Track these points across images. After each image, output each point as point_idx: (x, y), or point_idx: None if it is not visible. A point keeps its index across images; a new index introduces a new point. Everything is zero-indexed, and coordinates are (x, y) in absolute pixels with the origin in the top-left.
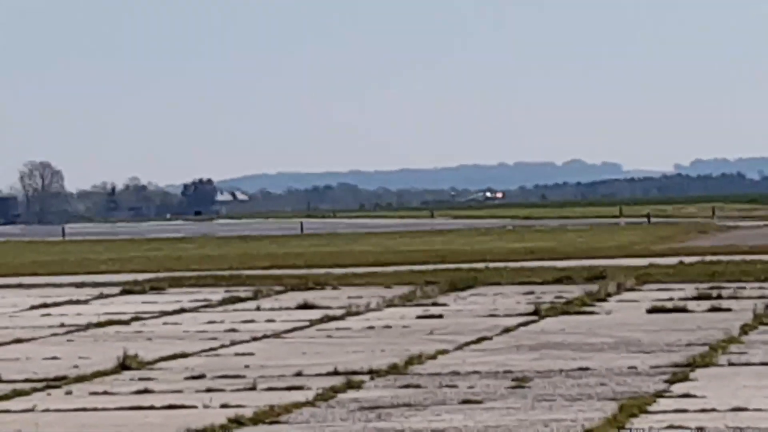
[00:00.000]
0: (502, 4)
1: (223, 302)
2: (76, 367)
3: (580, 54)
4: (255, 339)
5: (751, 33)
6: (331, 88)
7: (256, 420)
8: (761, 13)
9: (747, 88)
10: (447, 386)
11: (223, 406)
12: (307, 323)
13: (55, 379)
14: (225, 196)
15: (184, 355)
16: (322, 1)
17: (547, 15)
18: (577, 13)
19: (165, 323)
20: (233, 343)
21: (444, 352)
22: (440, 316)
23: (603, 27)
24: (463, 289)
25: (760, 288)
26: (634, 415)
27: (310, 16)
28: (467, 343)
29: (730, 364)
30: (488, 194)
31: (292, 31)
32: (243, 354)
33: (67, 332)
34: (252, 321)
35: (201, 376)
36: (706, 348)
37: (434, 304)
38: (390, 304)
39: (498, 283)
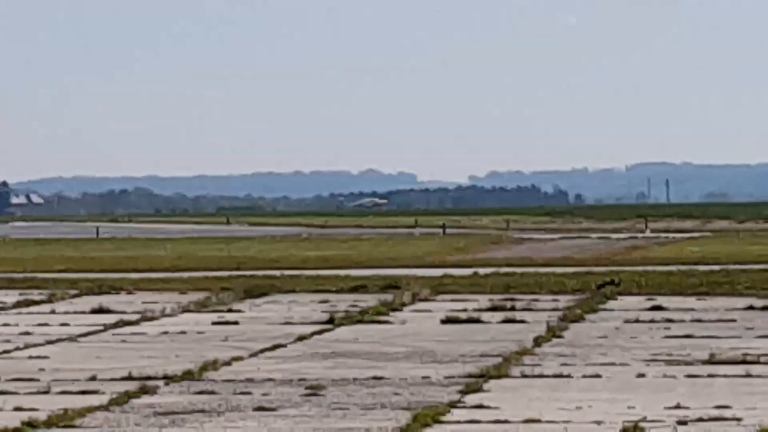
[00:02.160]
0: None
1: (17, 305)
2: None
3: (375, 64)
4: (49, 342)
5: (542, 48)
6: (131, 93)
7: (50, 423)
8: (548, 23)
9: (542, 102)
10: (241, 393)
11: (17, 409)
12: (102, 327)
13: None
14: (20, 199)
15: None
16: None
17: (342, 23)
18: (369, 22)
19: None
20: (27, 346)
21: (239, 358)
22: (235, 323)
23: (395, 37)
24: (258, 297)
25: (554, 300)
26: (428, 425)
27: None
28: (262, 351)
29: (524, 375)
30: (377, 201)
31: (100, 30)
32: (37, 357)
33: None
34: (46, 324)
35: None
36: (500, 359)
37: (229, 311)
38: (185, 309)
39: (293, 291)
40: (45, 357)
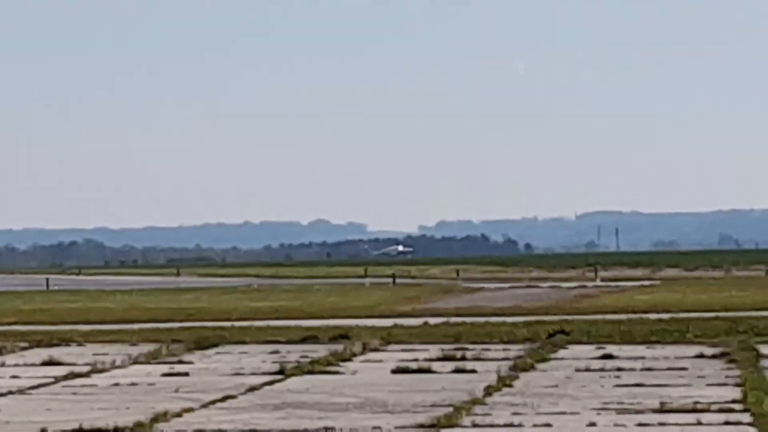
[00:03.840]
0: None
1: None
2: None
3: (316, 112)
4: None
5: (490, 96)
6: (78, 143)
7: None
8: (495, 71)
9: (491, 151)
10: None
11: None
12: (52, 380)
13: None
14: None
15: None
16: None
17: (289, 74)
18: (318, 70)
19: None
20: None
21: (189, 410)
22: (186, 374)
23: (340, 86)
24: (208, 348)
25: (504, 350)
26: None
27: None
28: (213, 402)
29: (474, 425)
30: (400, 248)
31: (42, 79)
32: None
33: None
34: None
35: None
36: (451, 409)
37: (180, 362)
38: (135, 361)
39: (243, 342)
40: None
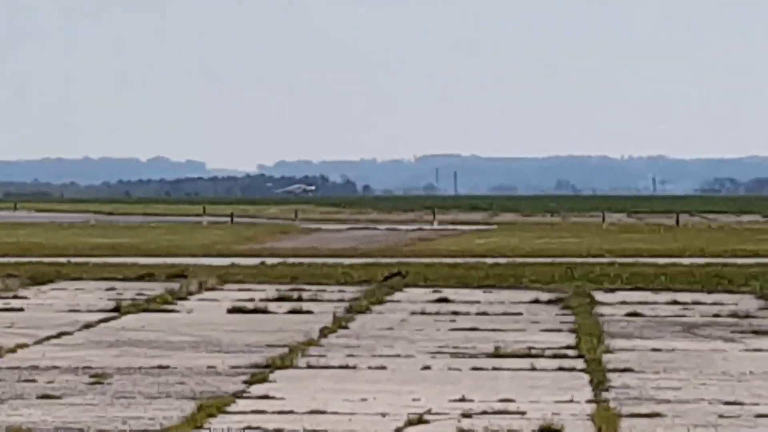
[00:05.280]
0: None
1: None
2: None
3: (166, 51)
4: None
5: (331, 36)
6: None
7: None
8: (339, 13)
9: (330, 91)
10: (25, 381)
11: None
12: None
13: None
14: None
15: None
16: None
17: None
18: (160, 15)
19: None
20: None
21: (24, 345)
22: (21, 309)
23: (190, 27)
24: (44, 283)
25: (340, 291)
26: (213, 415)
27: None
28: (47, 338)
29: (309, 366)
30: (305, 187)
31: None
32: None
33: None
34: None
35: None
36: (286, 350)
37: (15, 297)
38: None
39: (80, 278)
40: None
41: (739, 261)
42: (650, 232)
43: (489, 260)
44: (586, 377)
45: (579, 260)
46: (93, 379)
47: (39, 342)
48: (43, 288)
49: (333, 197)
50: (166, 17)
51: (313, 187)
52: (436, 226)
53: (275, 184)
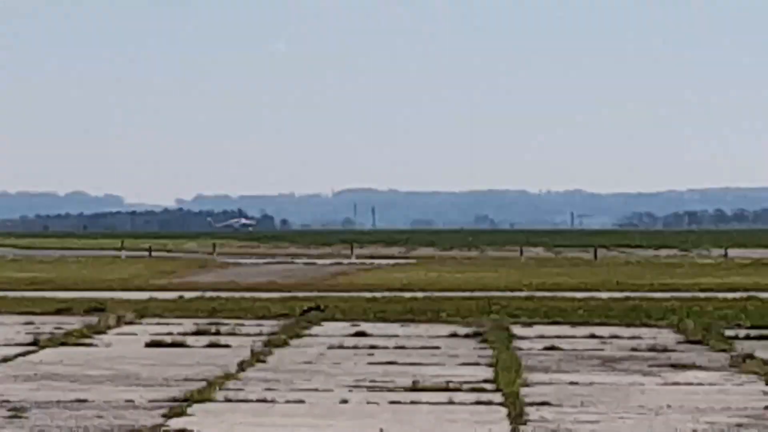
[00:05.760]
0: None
1: None
2: None
3: (74, 79)
4: None
5: (251, 71)
6: None
7: None
8: (255, 49)
9: (239, 128)
10: None
11: None
12: None
13: None
14: None
15: None
16: None
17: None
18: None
19: None
20: None
21: None
22: None
23: (86, 59)
24: None
25: (258, 325)
26: None
27: None
28: None
29: (227, 400)
30: (243, 221)
31: None
32: None
33: None
34: None
35: None
36: (204, 383)
37: None
38: None
39: None
40: None
41: (657, 295)
42: (569, 266)
43: (407, 294)
44: (504, 411)
45: (497, 294)
46: (11, 413)
47: None
48: None
49: (251, 232)
50: (89, 47)
51: (253, 222)
52: (354, 260)
53: (214, 218)
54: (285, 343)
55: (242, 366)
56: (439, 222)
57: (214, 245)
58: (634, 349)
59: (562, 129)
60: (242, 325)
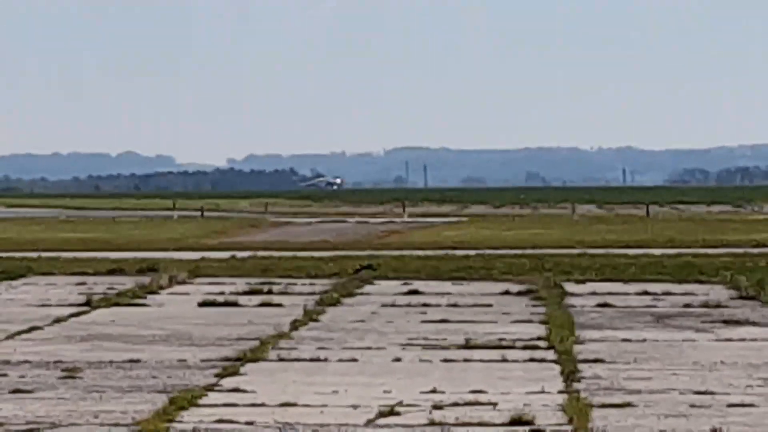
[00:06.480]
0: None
1: None
2: None
3: (135, 46)
4: None
5: (299, 32)
6: None
7: None
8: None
9: (300, 85)
10: None
11: None
12: None
13: None
14: None
15: None
16: None
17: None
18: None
19: None
20: None
21: None
22: None
23: (161, 21)
24: (15, 278)
25: (311, 284)
26: (184, 408)
27: None
28: (18, 333)
29: (280, 359)
30: (330, 180)
31: None
32: None
33: None
34: None
35: None
36: (257, 342)
37: None
38: None
39: (51, 273)
40: None
41: (710, 251)
42: (621, 223)
43: (459, 252)
44: (557, 368)
45: (549, 251)
46: (64, 374)
47: (10, 337)
48: (14, 283)
49: (303, 191)
50: (140, 13)
51: (338, 181)
52: (406, 218)
53: (299, 178)
54: (338, 302)
55: (295, 325)
56: (491, 180)
57: (266, 204)
58: (686, 306)
59: (613, 85)
60: (294, 284)
